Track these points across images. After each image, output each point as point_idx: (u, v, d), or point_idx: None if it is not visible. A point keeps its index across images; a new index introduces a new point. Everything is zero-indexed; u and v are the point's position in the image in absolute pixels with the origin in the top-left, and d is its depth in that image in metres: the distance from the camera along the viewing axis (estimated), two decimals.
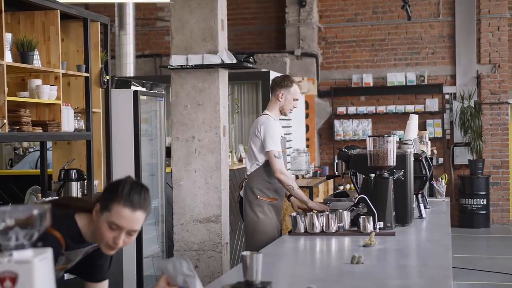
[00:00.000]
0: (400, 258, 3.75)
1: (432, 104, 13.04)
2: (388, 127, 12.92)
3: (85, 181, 5.82)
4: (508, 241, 11.72)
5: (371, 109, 13.23)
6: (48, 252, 1.85)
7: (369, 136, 4.61)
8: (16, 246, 1.83)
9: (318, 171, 11.09)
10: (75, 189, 5.63)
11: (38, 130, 5.21)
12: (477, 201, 12.57)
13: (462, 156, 12.96)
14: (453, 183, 13.04)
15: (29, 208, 1.84)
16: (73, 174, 5.65)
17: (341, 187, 10.85)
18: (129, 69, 11.38)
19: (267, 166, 5.33)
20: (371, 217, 4.34)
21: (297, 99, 5.50)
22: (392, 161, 4.52)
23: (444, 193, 6.69)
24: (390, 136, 4.57)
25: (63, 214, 2.79)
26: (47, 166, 6.06)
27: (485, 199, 12.60)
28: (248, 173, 5.53)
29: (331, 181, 11.35)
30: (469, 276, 8.64)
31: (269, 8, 13.96)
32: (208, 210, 5.78)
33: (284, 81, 5.49)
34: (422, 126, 12.69)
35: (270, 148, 5.27)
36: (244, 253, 2.83)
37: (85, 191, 5.84)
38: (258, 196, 5.40)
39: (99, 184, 6.10)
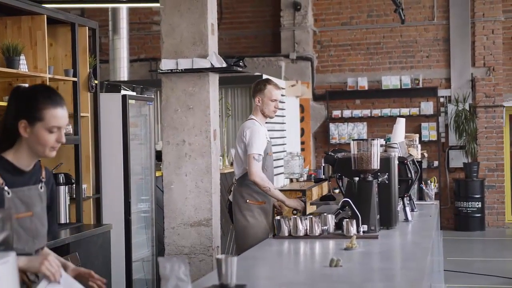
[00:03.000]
0: (379, 261, 3.75)
1: (427, 107, 13.03)
2: (383, 131, 12.90)
3: (73, 185, 5.83)
4: (503, 244, 11.71)
5: (366, 112, 13.23)
6: (11, 256, 1.87)
7: (353, 140, 4.62)
8: None
9: (313, 175, 11.08)
10: (63, 194, 5.64)
11: None
12: (472, 204, 12.57)
13: (457, 159, 12.96)
14: (448, 186, 13.05)
15: None
16: (61, 178, 5.65)
17: (337, 191, 10.83)
18: (123, 73, 11.39)
19: None
20: (355, 221, 4.35)
21: (275, 100, 5.52)
22: (376, 164, 4.53)
23: (433, 196, 6.69)
24: (374, 139, 4.58)
25: None
26: None
27: (480, 202, 12.59)
28: (236, 178, 5.56)
29: (325, 184, 11.35)
30: (462, 279, 8.65)
31: (265, 12, 13.99)
32: (198, 214, 5.78)
33: (258, 85, 5.56)
34: (417, 129, 12.72)
35: (251, 151, 5.33)
36: (219, 256, 2.87)
37: (74, 195, 5.85)
38: (248, 200, 5.44)
39: (87, 188, 6.11)
